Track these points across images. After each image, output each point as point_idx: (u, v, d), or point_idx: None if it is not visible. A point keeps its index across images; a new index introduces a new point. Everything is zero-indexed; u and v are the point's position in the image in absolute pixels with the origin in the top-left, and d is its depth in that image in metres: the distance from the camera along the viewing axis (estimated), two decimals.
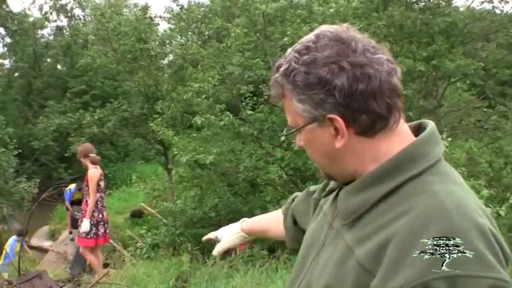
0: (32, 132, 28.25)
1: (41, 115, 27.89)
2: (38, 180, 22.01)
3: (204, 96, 11.99)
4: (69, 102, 28.91)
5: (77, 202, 13.64)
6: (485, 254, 1.23)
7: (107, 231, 9.96)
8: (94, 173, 9.44)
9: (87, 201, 9.51)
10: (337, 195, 1.59)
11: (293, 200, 2.19)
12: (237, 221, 2.44)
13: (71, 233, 13.97)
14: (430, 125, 1.51)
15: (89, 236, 9.53)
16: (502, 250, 1.28)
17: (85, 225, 9.43)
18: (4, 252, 12.46)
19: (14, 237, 12.67)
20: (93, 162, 9.57)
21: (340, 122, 1.40)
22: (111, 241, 12.00)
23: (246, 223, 2.46)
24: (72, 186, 13.75)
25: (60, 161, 28.21)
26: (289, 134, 1.54)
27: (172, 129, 13.27)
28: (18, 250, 11.88)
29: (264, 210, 11.04)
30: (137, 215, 16.30)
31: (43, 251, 15.85)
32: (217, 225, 11.49)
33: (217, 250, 2.47)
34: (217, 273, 8.68)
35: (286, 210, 2.20)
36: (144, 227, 12.83)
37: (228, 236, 2.47)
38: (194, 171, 11.60)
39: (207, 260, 9.44)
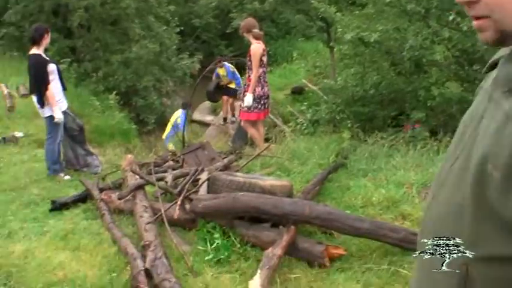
0: (192, 9, 28.54)
1: None
2: (201, 57, 22.46)
3: None
4: None
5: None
6: None
7: (268, 106, 10.06)
8: (257, 47, 9.46)
9: (249, 76, 9.60)
10: None
11: None
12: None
13: (233, 115, 14.21)
14: None
15: (250, 110, 9.68)
16: None
17: (248, 99, 9.57)
18: (170, 124, 12.92)
19: (180, 110, 13.04)
20: (256, 38, 9.56)
21: None
22: (271, 116, 12.16)
23: None
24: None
25: (221, 38, 28.49)
26: None
27: (334, 6, 12.90)
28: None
29: (428, 92, 10.64)
30: (298, 92, 16.30)
31: (205, 125, 16.38)
32: (378, 103, 11.34)
33: None
34: (377, 151, 8.57)
35: None
36: (305, 103, 12.85)
37: None
38: (357, 49, 11.29)
39: (367, 138, 9.33)
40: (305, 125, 11.77)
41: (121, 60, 17.96)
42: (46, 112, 8.78)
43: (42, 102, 8.67)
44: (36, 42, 8.65)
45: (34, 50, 8.67)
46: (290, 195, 5.92)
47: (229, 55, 25.18)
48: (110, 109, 14.41)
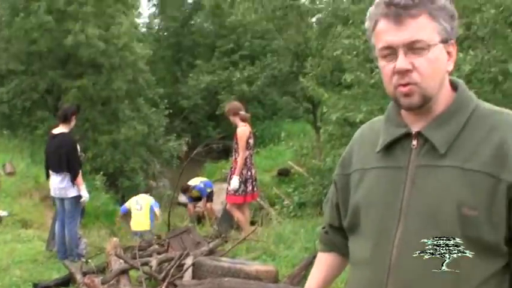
0: (180, 91, 28.79)
1: (190, 73, 28.13)
2: (188, 139, 22.52)
3: (354, 53, 11.56)
4: (217, 61, 28.86)
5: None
6: None
7: (255, 189, 9.97)
8: (243, 130, 9.46)
9: (236, 158, 9.57)
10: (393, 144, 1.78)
11: (325, 232, 2.22)
12: None
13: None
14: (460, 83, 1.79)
15: (237, 193, 9.59)
16: None
17: (234, 183, 9.49)
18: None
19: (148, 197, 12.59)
20: (243, 120, 9.58)
21: (455, 47, 1.74)
22: (257, 199, 12.07)
23: None
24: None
25: (208, 119, 28.66)
26: (391, 54, 1.67)
27: (321, 87, 13.00)
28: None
29: None
30: (284, 174, 16.25)
31: None
32: None
33: None
34: None
35: (328, 241, 2.20)
36: (292, 185, 12.78)
37: None
38: (343, 130, 11.31)
39: None
40: (291, 207, 11.69)
41: (109, 141, 17.96)
42: (71, 192, 8.57)
43: (73, 181, 8.48)
44: (67, 120, 8.57)
45: (61, 129, 8.58)
46: (275, 280, 5.79)
47: (216, 137, 25.34)
48: (96, 190, 14.28)
